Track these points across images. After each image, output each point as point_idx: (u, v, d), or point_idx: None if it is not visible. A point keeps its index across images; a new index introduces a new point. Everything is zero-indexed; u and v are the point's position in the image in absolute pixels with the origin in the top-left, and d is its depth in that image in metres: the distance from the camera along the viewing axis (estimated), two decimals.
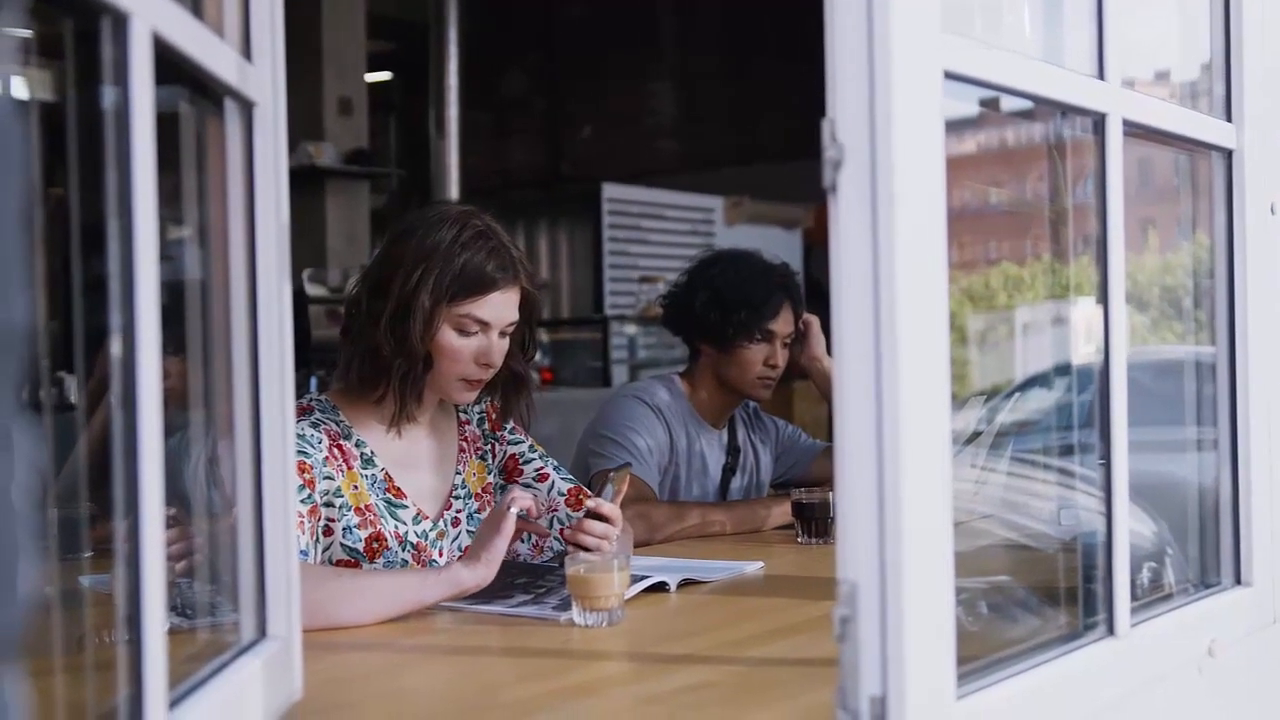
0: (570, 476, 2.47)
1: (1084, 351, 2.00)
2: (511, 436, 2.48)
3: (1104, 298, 1.55)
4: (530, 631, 1.89)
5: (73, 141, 1.05)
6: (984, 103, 1.51)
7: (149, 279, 1.01)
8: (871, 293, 1.19)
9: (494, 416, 2.46)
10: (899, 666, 1.18)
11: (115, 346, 1.01)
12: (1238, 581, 1.84)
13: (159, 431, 1.02)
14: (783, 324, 3.04)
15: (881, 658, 1.19)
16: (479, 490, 2.41)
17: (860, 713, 1.19)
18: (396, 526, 2.24)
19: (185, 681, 1.17)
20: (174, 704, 1.09)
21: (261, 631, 1.38)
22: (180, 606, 1.44)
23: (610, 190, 8.35)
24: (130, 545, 1.00)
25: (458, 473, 2.38)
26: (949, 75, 1.27)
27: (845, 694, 1.20)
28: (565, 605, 1.94)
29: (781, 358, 3.05)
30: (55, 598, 1.20)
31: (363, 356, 2.23)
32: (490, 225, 2.26)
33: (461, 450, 2.41)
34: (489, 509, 2.37)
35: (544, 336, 7.86)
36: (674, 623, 2.03)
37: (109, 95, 1.00)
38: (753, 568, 2.38)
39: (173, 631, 1.09)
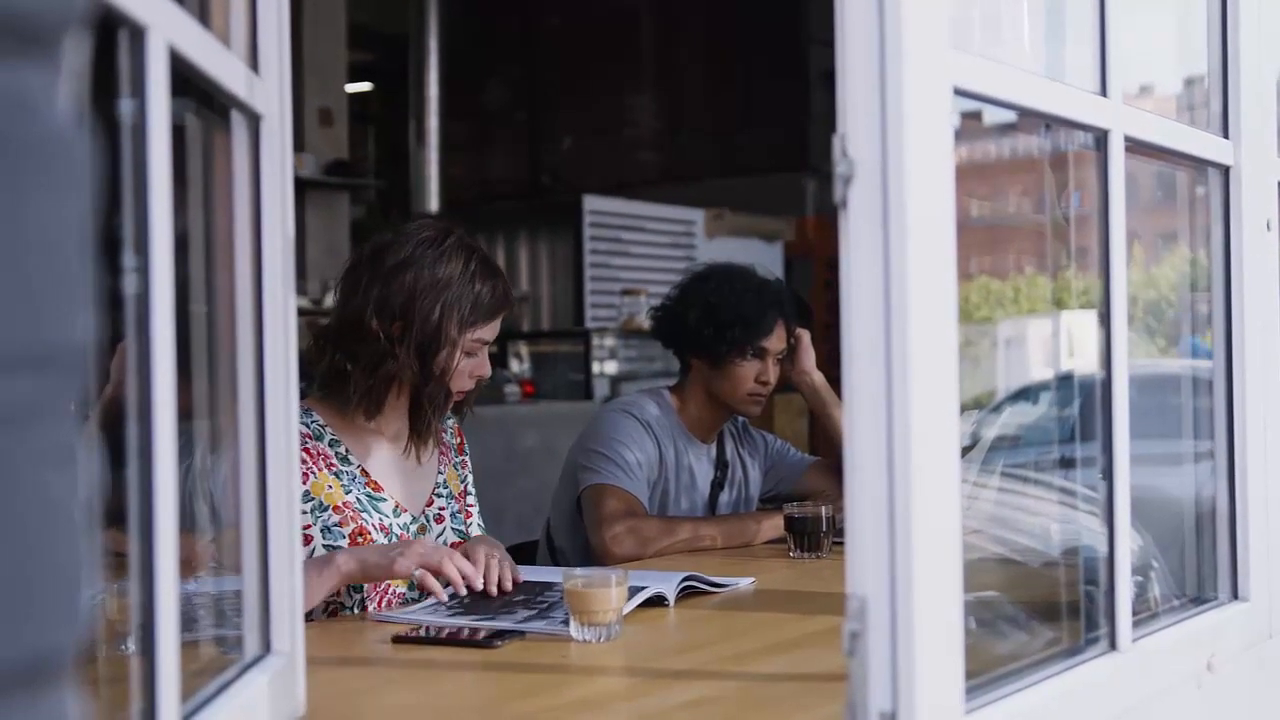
0: (463, 530, 2.51)
1: (1070, 366, 2.01)
2: (469, 463, 2.57)
3: (1106, 312, 1.56)
4: (528, 647, 1.88)
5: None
6: (966, 115, 1.52)
7: (164, 290, 1.01)
8: (882, 306, 1.19)
9: (460, 439, 2.57)
10: (909, 681, 1.18)
11: (129, 357, 1.00)
12: (1235, 596, 1.85)
13: (173, 443, 1.01)
14: (776, 341, 3.04)
15: (891, 672, 1.19)
16: (457, 494, 2.51)
17: None
18: (380, 519, 2.31)
19: (194, 697, 1.16)
20: None
21: (266, 647, 1.37)
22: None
23: (591, 202, 8.34)
24: (144, 559, 0.99)
25: (440, 473, 2.48)
26: (957, 91, 1.28)
27: (854, 709, 1.20)
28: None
29: (773, 374, 3.04)
30: None
31: (383, 383, 2.30)
32: (483, 250, 2.39)
33: (442, 454, 2.50)
34: (464, 513, 2.50)
35: (524, 349, 7.85)
36: (671, 638, 2.03)
37: (125, 106, 0.99)
38: (745, 583, 2.38)
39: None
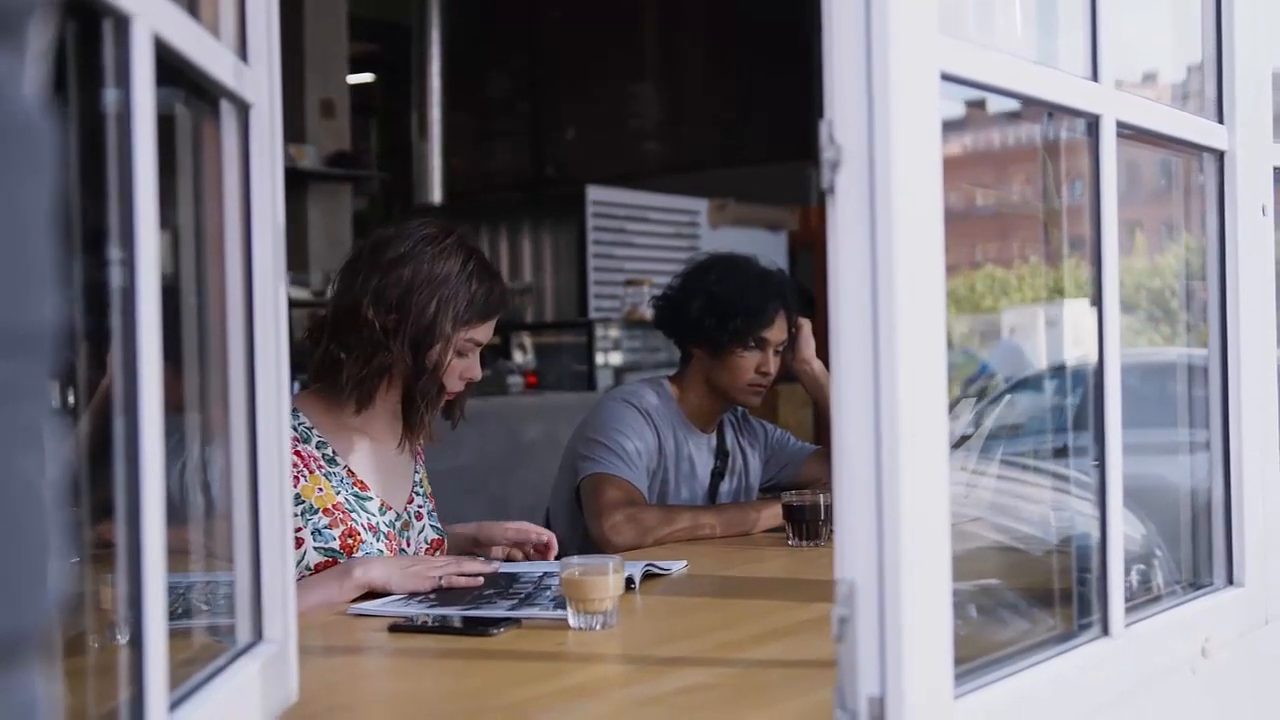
0: (439, 527, 2.53)
1: (1071, 355, 2.01)
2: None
3: (1098, 299, 1.56)
4: (524, 634, 1.88)
5: (71, 143, 1.04)
6: (969, 104, 1.51)
7: (149, 282, 1.01)
8: (869, 292, 1.19)
9: (421, 443, 2.57)
10: (897, 666, 1.18)
11: (115, 349, 1.00)
12: (1230, 582, 1.85)
13: (159, 434, 1.02)
14: (777, 332, 3.03)
15: (880, 658, 1.19)
16: (428, 493, 2.54)
17: (859, 713, 1.19)
18: (368, 519, 2.33)
19: (184, 684, 1.16)
20: (173, 706, 1.09)
21: (258, 634, 1.37)
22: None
23: (594, 193, 8.33)
24: (131, 549, 1.00)
25: (416, 471, 2.51)
26: (945, 77, 1.27)
27: (843, 694, 1.21)
28: (561, 604, 1.93)
29: (773, 365, 3.04)
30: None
31: (376, 375, 2.31)
32: (482, 253, 2.42)
33: (419, 454, 2.52)
34: (437, 511, 2.53)
35: (527, 340, 7.85)
36: (667, 625, 2.03)
37: (110, 96, 1.00)
38: (679, 566, 2.39)
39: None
